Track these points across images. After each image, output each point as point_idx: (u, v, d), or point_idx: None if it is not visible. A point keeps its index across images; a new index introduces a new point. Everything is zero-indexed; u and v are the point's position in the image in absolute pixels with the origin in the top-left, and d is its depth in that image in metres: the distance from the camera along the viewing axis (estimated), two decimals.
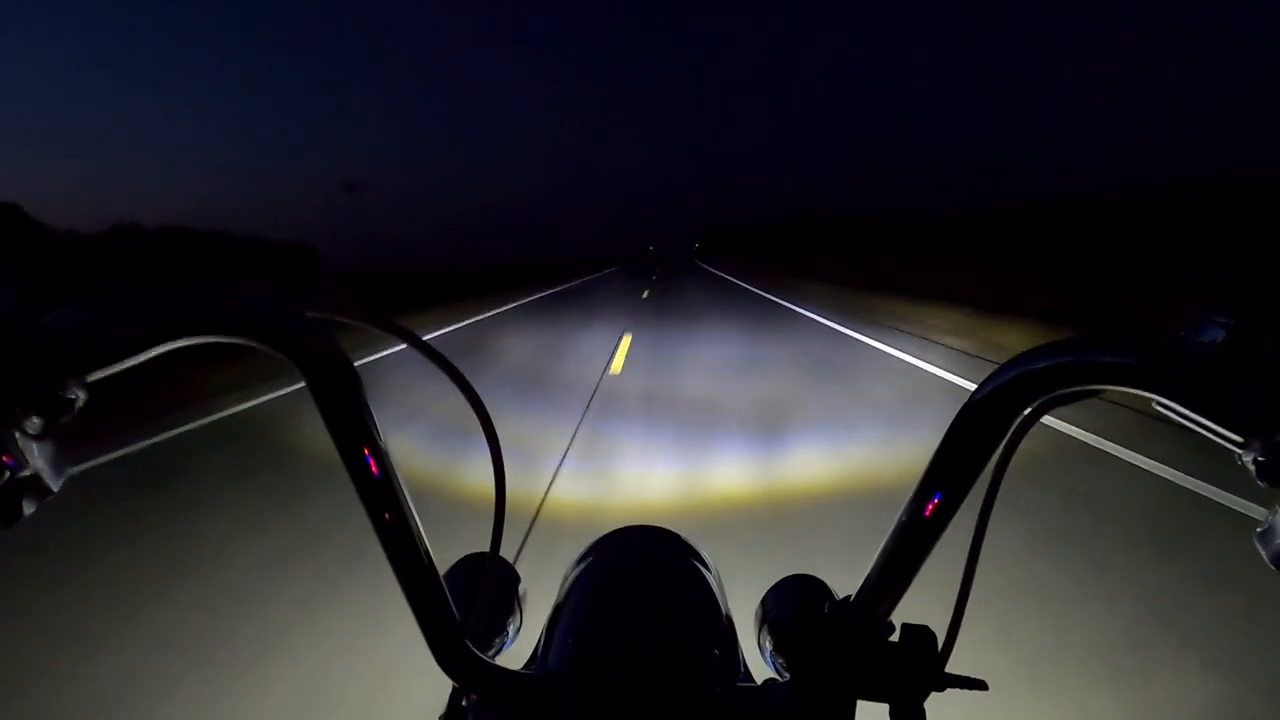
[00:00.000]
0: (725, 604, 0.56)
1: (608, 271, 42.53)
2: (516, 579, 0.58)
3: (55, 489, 0.23)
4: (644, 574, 0.57)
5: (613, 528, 0.65)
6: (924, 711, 0.36)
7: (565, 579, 0.59)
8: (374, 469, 0.34)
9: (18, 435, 0.21)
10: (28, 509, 0.22)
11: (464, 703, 0.44)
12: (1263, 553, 0.24)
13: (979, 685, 0.36)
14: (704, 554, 0.62)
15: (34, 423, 0.22)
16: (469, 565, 0.55)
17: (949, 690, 0.36)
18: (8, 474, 0.21)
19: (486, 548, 0.41)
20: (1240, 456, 0.24)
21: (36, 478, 0.22)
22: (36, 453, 0.22)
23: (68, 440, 0.24)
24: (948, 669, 0.36)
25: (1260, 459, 0.23)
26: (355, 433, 0.34)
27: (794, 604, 0.55)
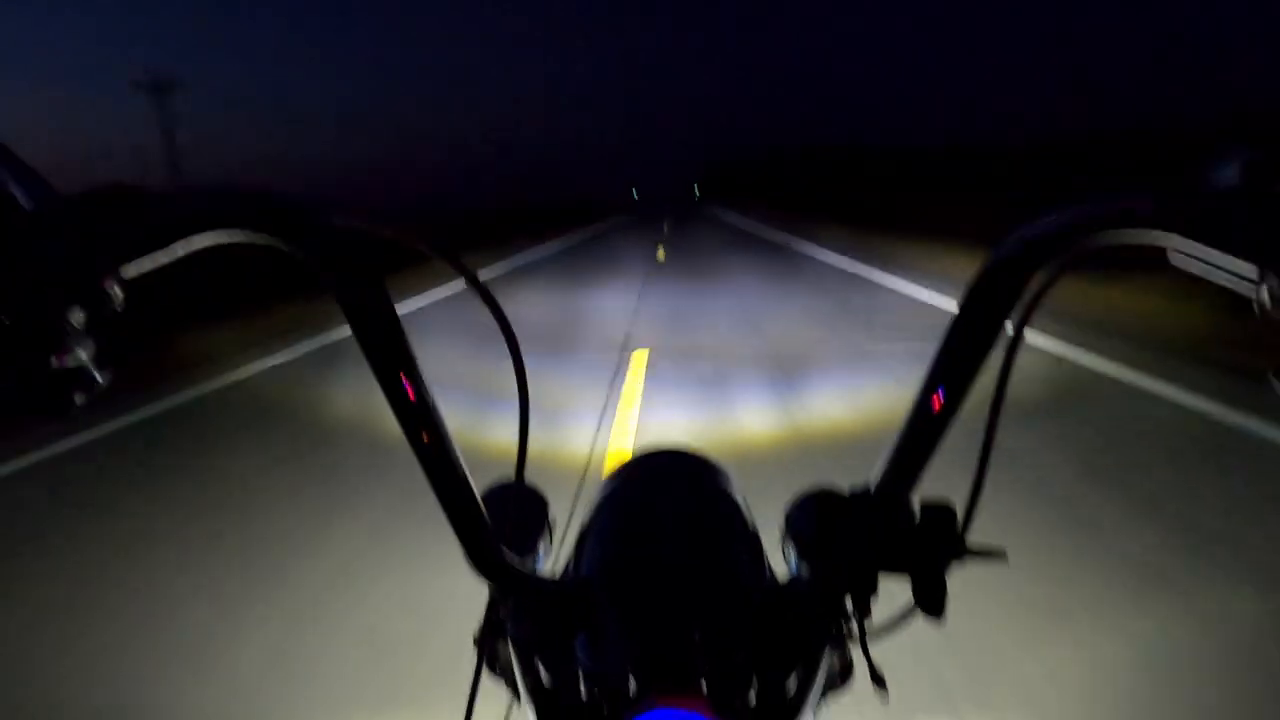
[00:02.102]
0: (751, 520, 0.58)
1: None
2: (546, 504, 0.60)
3: (103, 383, 0.24)
4: (671, 493, 0.59)
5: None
6: (945, 582, 0.37)
7: (593, 501, 0.61)
8: (409, 387, 0.35)
9: (63, 329, 0.23)
10: (78, 400, 0.23)
11: (501, 613, 0.47)
12: (1278, 388, 0.24)
13: (999, 555, 0.37)
14: (729, 474, 0.64)
15: (77, 315, 0.23)
16: (501, 491, 0.57)
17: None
18: (54, 363, 0.22)
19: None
20: (1258, 293, 0.24)
21: (85, 370, 0.24)
22: (80, 344, 0.24)
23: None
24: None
25: (1276, 287, 0.22)
26: (388, 349, 0.34)
27: (815, 512, 0.56)
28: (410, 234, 0.36)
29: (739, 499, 0.60)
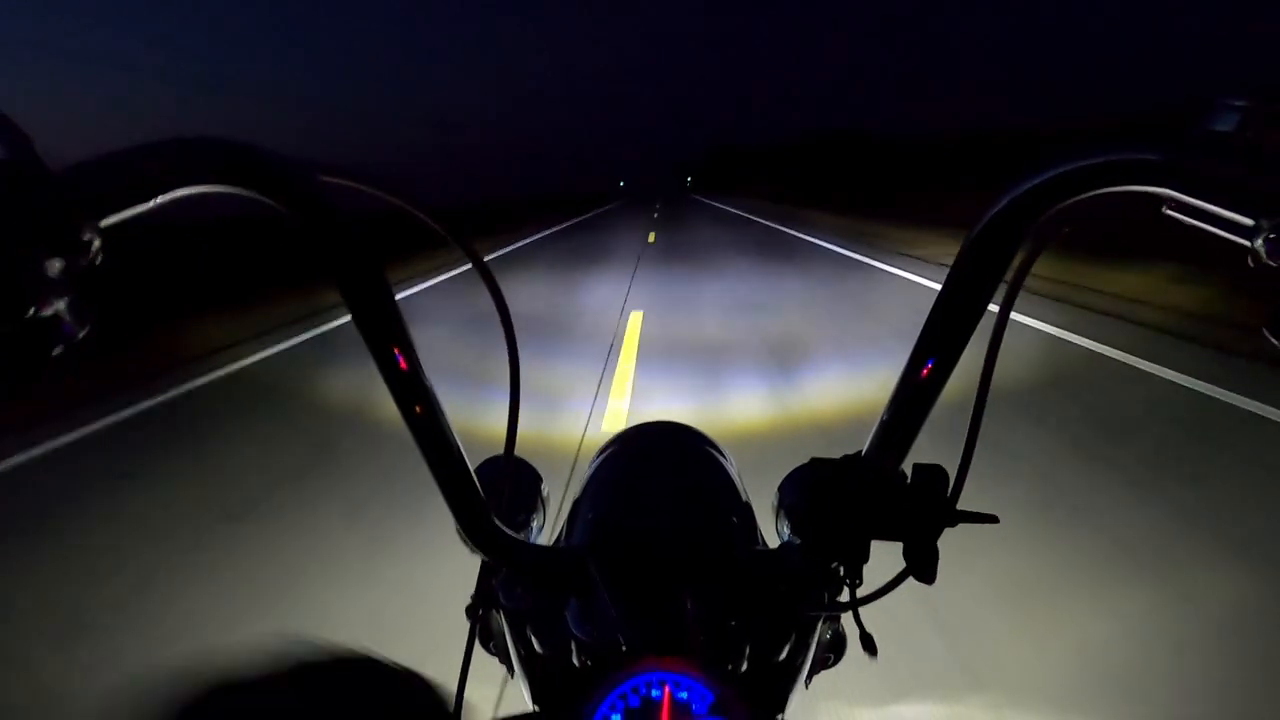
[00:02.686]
0: (744, 491, 0.58)
1: None
2: (539, 479, 0.61)
3: (80, 335, 0.24)
4: (663, 463, 0.59)
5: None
6: (937, 548, 0.36)
7: (586, 472, 0.61)
8: (401, 359, 0.35)
9: (38, 275, 0.22)
10: (54, 350, 0.23)
11: (494, 581, 0.47)
12: (1272, 339, 0.24)
13: (990, 519, 0.36)
14: (721, 447, 0.64)
15: (53, 264, 0.23)
16: (494, 465, 0.57)
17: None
18: (31, 310, 0.22)
19: None
20: (1252, 244, 0.23)
21: (58, 319, 0.23)
22: (55, 292, 0.23)
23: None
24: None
25: (1272, 237, 0.22)
26: (381, 321, 0.34)
27: (809, 483, 0.56)
28: (399, 194, 0.36)
29: (732, 471, 0.60)
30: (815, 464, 0.56)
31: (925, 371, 0.35)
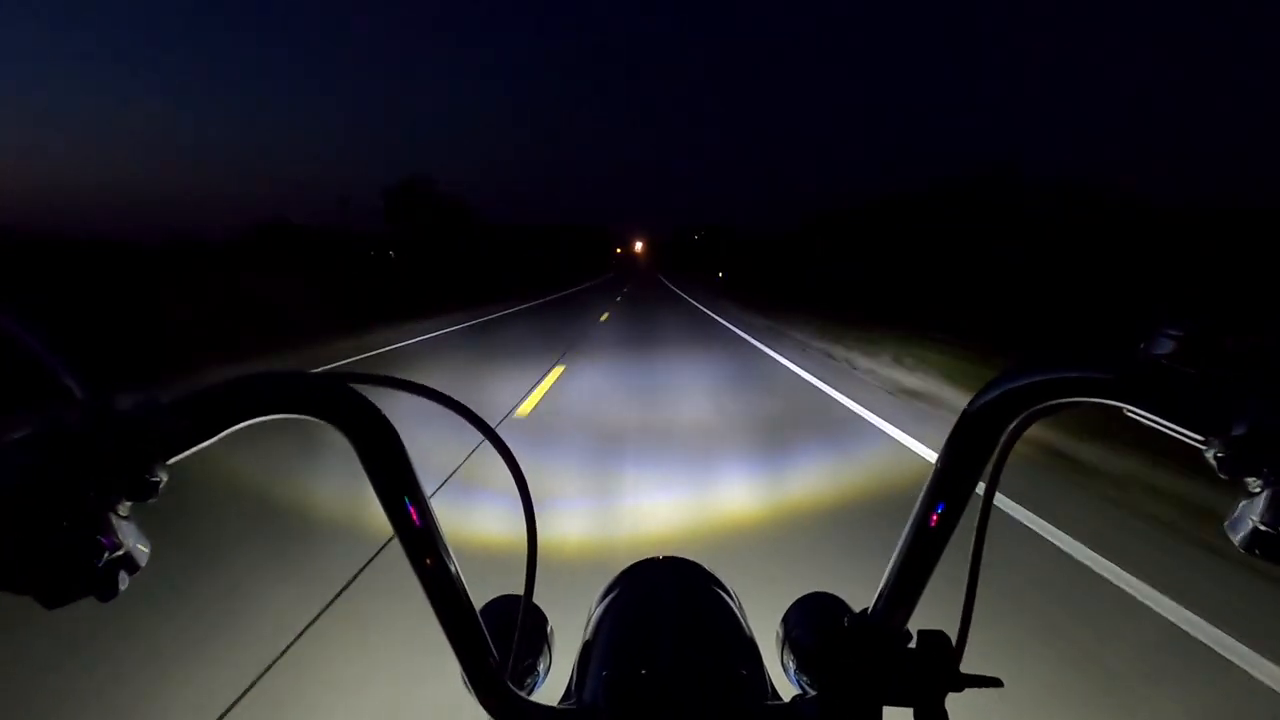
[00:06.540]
0: (748, 627, 0.58)
1: None
2: (545, 620, 0.61)
3: (143, 564, 0.26)
4: (667, 605, 0.59)
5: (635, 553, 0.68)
6: (946, 712, 0.38)
7: (590, 615, 0.61)
8: (415, 519, 0.37)
9: (111, 517, 0.24)
10: (122, 584, 0.25)
11: None
12: (1233, 539, 0.26)
13: (995, 683, 0.37)
14: (723, 579, 0.64)
15: (125, 505, 0.25)
16: (501, 607, 0.57)
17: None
18: (106, 554, 0.24)
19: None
20: (1205, 453, 0.26)
21: (128, 555, 0.25)
22: (125, 532, 0.25)
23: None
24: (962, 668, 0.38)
25: (1220, 455, 0.25)
26: (397, 487, 0.36)
27: (812, 621, 0.57)
28: (416, 385, 0.39)
29: (733, 603, 0.60)
30: (821, 602, 0.56)
31: (929, 530, 0.37)
